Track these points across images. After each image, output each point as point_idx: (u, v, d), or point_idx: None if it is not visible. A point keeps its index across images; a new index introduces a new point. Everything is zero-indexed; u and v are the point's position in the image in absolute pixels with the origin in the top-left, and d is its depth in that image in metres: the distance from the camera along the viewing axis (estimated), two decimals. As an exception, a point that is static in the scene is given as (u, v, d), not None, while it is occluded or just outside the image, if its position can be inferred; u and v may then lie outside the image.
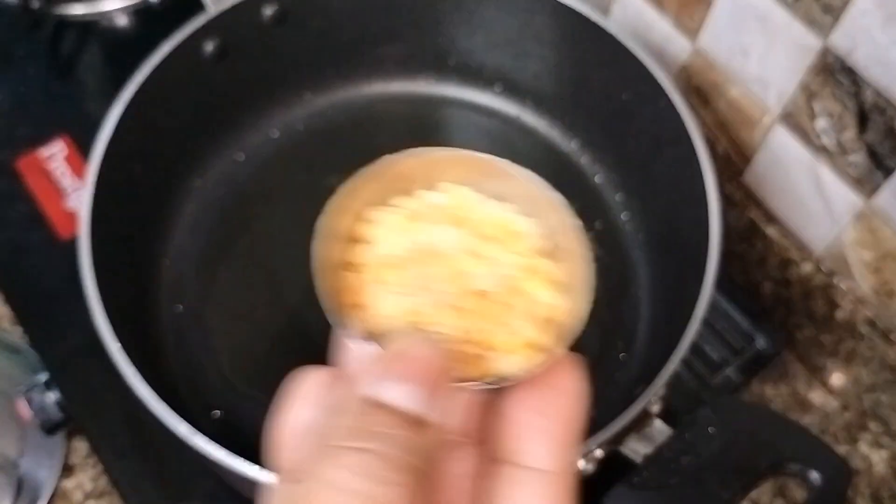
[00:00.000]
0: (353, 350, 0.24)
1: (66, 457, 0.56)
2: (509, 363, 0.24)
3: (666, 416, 0.44)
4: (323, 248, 0.25)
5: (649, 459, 0.42)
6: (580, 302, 0.25)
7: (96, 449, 0.53)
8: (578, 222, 0.25)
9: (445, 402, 0.21)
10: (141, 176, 0.54)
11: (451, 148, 0.26)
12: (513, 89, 0.63)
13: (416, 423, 0.20)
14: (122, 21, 0.70)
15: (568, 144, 0.62)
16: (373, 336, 0.24)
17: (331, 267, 0.25)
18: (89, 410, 0.53)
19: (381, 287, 0.25)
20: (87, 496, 0.55)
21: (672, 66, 0.60)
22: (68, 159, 0.63)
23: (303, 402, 0.23)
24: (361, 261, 0.25)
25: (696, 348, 0.58)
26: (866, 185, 0.51)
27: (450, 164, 0.26)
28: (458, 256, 0.25)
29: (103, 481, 0.55)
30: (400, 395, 0.21)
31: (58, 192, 0.61)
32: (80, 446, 0.56)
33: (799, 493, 0.56)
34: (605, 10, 0.64)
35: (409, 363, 0.22)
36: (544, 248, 0.26)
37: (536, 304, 0.25)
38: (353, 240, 0.26)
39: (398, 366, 0.21)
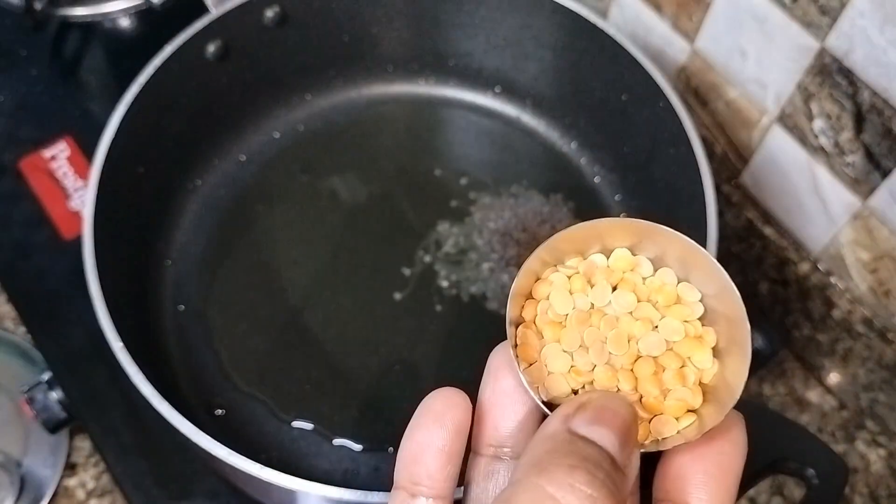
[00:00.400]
0: (504, 384, 0.26)
1: (69, 455, 0.56)
2: (672, 427, 0.25)
3: (664, 414, 0.44)
4: (512, 307, 0.27)
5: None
6: (740, 365, 0.25)
7: (99, 447, 0.53)
8: (732, 284, 0.26)
9: (633, 457, 0.23)
10: (143, 176, 0.55)
11: (615, 218, 0.28)
12: (512, 90, 0.64)
13: (615, 462, 0.22)
14: (125, 22, 0.70)
15: (567, 145, 0.63)
16: (541, 388, 0.26)
17: (513, 322, 0.27)
18: (92, 409, 0.53)
19: (553, 345, 0.26)
20: (90, 494, 0.55)
21: (670, 68, 0.61)
22: (71, 160, 0.63)
23: (435, 422, 0.25)
24: (535, 318, 0.27)
25: (694, 347, 0.58)
26: (863, 185, 0.51)
27: (614, 229, 0.28)
28: (625, 319, 0.26)
29: (106, 480, 0.55)
30: (604, 438, 0.23)
31: (61, 193, 0.62)
32: (83, 445, 0.56)
33: (797, 491, 0.57)
34: (603, 12, 0.64)
35: (612, 415, 0.23)
36: (705, 313, 0.27)
37: (701, 372, 0.26)
38: (530, 298, 0.28)
39: (604, 415, 0.23)
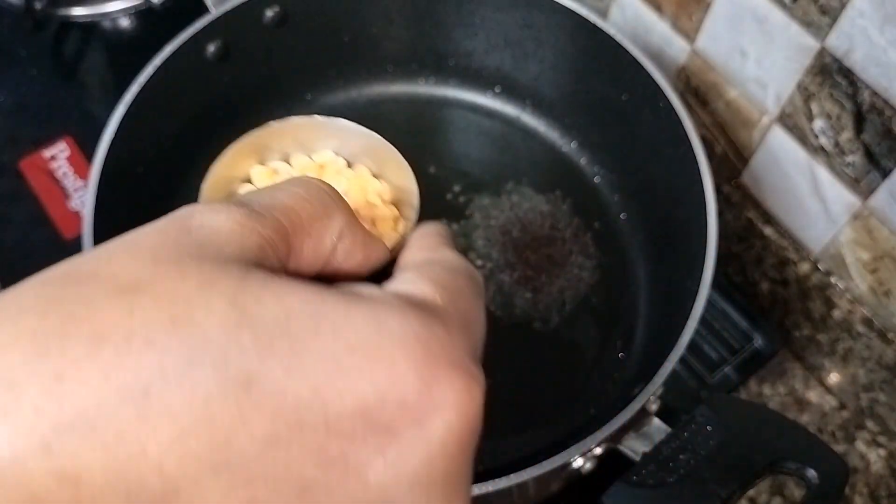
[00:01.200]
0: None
1: (69, 455, 0.56)
2: (394, 238, 0.30)
3: (664, 414, 0.44)
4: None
5: (647, 457, 0.42)
6: (404, 171, 0.32)
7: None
8: (389, 144, 0.32)
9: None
10: (143, 176, 0.55)
11: (298, 117, 0.36)
12: (513, 90, 0.64)
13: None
14: (125, 22, 0.70)
15: (567, 145, 0.63)
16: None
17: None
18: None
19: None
20: (90, 494, 0.55)
21: (671, 68, 0.61)
22: (71, 160, 0.63)
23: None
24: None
25: (694, 347, 0.58)
26: (863, 185, 0.51)
27: (295, 130, 0.36)
28: None
29: (106, 479, 0.55)
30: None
31: (61, 193, 0.62)
32: (83, 445, 0.56)
33: (797, 491, 0.57)
34: (603, 12, 0.64)
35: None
36: (350, 157, 0.34)
37: (379, 192, 0.32)
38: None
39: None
